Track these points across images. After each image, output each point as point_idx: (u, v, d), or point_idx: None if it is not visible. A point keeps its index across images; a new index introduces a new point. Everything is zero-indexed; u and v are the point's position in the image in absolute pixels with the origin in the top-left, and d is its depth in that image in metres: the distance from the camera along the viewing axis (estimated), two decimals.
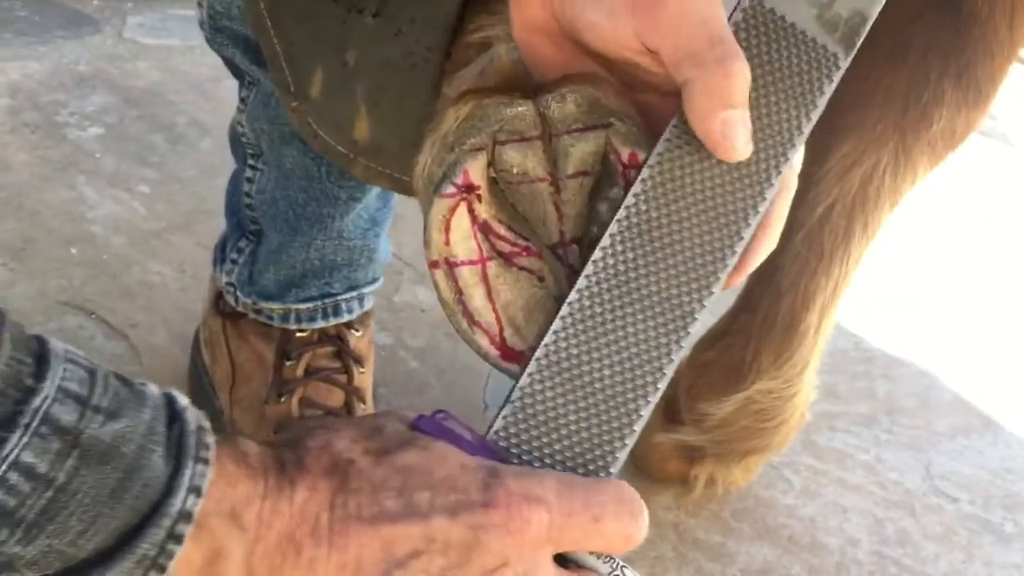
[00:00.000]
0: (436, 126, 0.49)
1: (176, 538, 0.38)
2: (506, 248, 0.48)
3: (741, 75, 0.44)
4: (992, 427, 1.28)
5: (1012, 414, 1.30)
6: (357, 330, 0.97)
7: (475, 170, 0.47)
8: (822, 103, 0.49)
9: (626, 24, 0.45)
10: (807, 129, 0.48)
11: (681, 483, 1.03)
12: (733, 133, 0.45)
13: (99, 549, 0.37)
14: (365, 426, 0.44)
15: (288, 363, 0.92)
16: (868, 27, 0.49)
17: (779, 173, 0.48)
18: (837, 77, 0.49)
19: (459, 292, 0.48)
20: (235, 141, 0.92)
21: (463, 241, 0.48)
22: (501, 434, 0.46)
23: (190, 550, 0.39)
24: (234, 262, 0.94)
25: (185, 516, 0.38)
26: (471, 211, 0.48)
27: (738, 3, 0.49)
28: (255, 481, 0.40)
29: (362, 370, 0.96)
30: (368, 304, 0.98)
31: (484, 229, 0.48)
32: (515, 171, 0.48)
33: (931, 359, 1.37)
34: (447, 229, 0.47)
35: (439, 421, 0.45)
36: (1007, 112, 1.96)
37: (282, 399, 0.92)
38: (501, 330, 0.48)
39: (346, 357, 0.95)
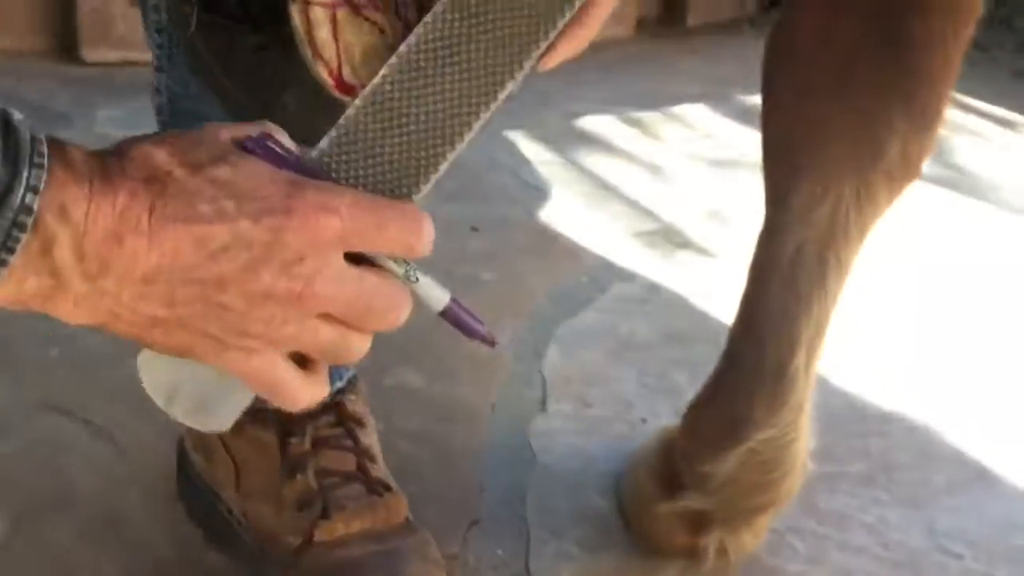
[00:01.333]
0: None
1: (20, 226, 0.46)
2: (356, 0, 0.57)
3: None
4: (991, 479, 1.27)
5: (1010, 465, 1.29)
6: (351, 395, 0.98)
7: None
8: None
9: None
10: None
11: (688, 556, 1.01)
12: None
13: None
14: (186, 140, 0.51)
15: (293, 440, 0.92)
16: None
17: None
18: None
19: (309, 25, 0.56)
20: None
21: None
22: (325, 155, 0.54)
23: (28, 239, 0.47)
24: None
25: (25, 210, 0.46)
26: None
27: None
28: (81, 185, 0.47)
29: (366, 431, 0.97)
30: (352, 368, 0.99)
31: None
32: None
33: (924, 412, 1.36)
34: None
35: (262, 140, 0.52)
36: (984, 167, 2.00)
37: (297, 476, 0.92)
38: (340, 66, 0.57)
39: (347, 422, 0.96)
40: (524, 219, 1.69)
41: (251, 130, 0.53)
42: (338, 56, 0.56)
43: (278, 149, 0.53)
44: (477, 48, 0.55)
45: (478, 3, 0.55)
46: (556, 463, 1.21)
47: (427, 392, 1.28)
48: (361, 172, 0.54)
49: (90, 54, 1.88)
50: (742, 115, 2.20)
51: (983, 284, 1.66)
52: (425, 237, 0.54)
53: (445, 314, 0.57)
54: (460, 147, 0.55)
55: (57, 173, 0.47)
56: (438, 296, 0.56)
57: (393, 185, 0.55)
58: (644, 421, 1.31)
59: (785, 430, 0.93)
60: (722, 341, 1.53)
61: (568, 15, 0.56)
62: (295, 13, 0.56)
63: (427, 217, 0.54)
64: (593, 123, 2.08)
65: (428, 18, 0.55)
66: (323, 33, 0.56)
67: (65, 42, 1.89)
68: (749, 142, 2.12)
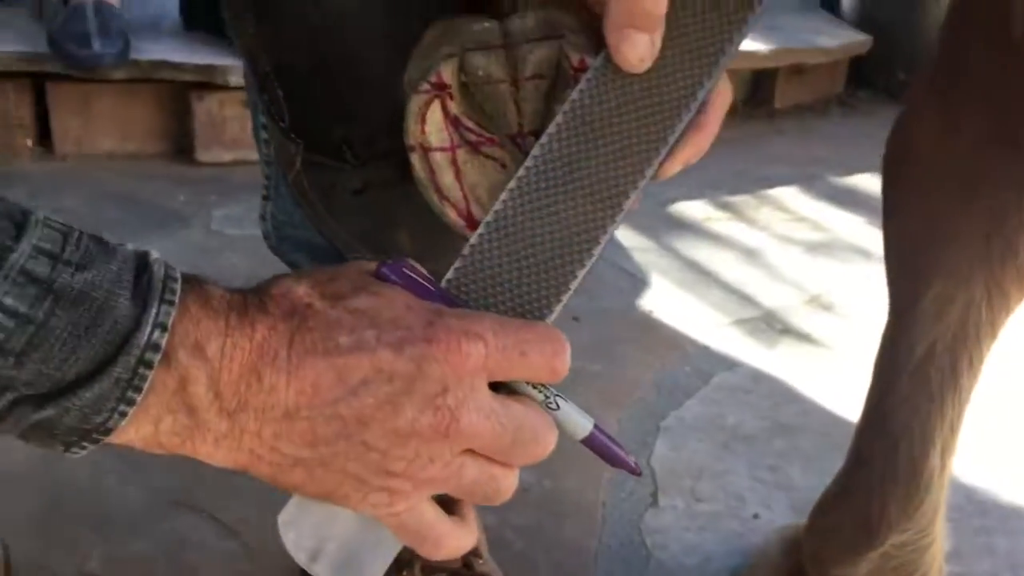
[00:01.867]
0: (419, 45, 0.57)
1: (146, 364, 0.45)
2: (473, 138, 0.57)
3: (649, 1, 0.52)
4: None
5: None
6: (478, 559, 0.98)
7: (447, 72, 0.56)
8: (752, 21, 0.55)
9: None
10: (738, 41, 0.55)
11: None
12: (629, 48, 0.53)
13: (80, 373, 0.45)
14: (325, 274, 0.51)
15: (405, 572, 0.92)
16: None
17: (711, 78, 0.55)
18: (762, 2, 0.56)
19: (432, 172, 0.56)
20: None
21: (436, 131, 0.56)
22: (452, 284, 0.53)
23: (161, 375, 0.46)
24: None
25: (153, 347, 0.45)
26: (444, 107, 0.56)
27: None
28: (216, 320, 0.47)
29: (481, 560, 0.95)
30: None
31: (455, 123, 0.56)
32: (480, 73, 0.56)
33: None
34: (423, 120, 0.56)
35: (399, 267, 0.51)
36: None
37: (404, 572, 0.92)
38: (468, 205, 0.56)
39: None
40: (625, 308, 1.70)
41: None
42: (465, 198, 0.56)
43: (415, 276, 0.52)
44: (596, 164, 0.54)
45: (593, 119, 0.54)
46: (671, 560, 1.20)
47: (538, 488, 1.28)
48: (490, 300, 0.53)
49: (205, 155, 1.96)
50: (834, 196, 2.19)
51: None
52: (565, 357, 0.51)
53: (587, 441, 0.54)
54: (589, 265, 0.53)
55: (191, 309, 0.46)
56: (580, 423, 0.53)
57: (523, 311, 0.53)
58: (757, 516, 1.29)
59: (921, 533, 0.91)
60: (831, 432, 1.52)
61: (685, 121, 0.55)
62: (416, 161, 0.56)
63: (565, 338, 0.52)
64: (687, 208, 2.09)
65: (544, 139, 0.54)
66: (447, 178, 0.56)
67: (181, 145, 1.99)
68: (843, 224, 2.11)
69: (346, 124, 0.64)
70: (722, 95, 0.56)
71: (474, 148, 0.57)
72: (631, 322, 1.66)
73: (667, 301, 1.74)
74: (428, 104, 0.56)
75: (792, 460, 1.40)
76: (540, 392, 0.52)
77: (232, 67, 1.86)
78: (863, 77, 2.69)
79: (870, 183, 2.19)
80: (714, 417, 1.47)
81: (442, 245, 0.65)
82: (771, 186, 2.19)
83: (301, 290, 0.49)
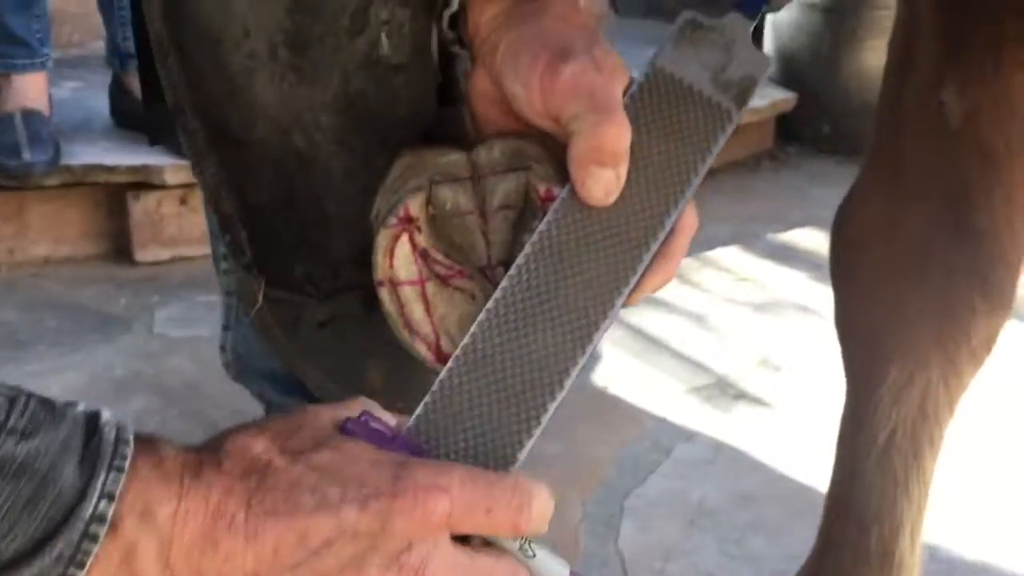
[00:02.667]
0: (384, 178, 0.57)
1: (91, 537, 0.43)
2: (442, 271, 0.56)
3: (611, 139, 0.53)
4: None
5: None
6: None
7: (414, 205, 0.56)
8: (716, 149, 0.56)
9: (535, 94, 0.54)
10: (703, 170, 0.56)
11: None
12: (594, 183, 0.53)
13: (19, 551, 0.42)
14: (285, 426, 0.49)
15: None
16: (758, 87, 0.57)
17: (677, 208, 0.55)
18: (730, 128, 0.57)
19: (401, 307, 0.55)
20: None
21: (405, 265, 0.55)
22: (421, 423, 0.52)
23: (107, 546, 0.44)
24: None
25: (98, 518, 0.43)
26: (411, 240, 0.56)
27: (643, 70, 0.57)
28: (170, 484, 0.45)
29: None
30: None
31: (423, 255, 0.56)
32: (448, 206, 0.56)
33: (1014, 561, 1.33)
34: (391, 255, 0.55)
35: (363, 422, 0.50)
36: None
37: None
38: (437, 339, 0.55)
39: None
40: (580, 385, 1.69)
41: (350, 410, 0.50)
42: (435, 331, 0.55)
43: (380, 428, 0.50)
44: (565, 297, 0.53)
45: (561, 251, 0.54)
46: None
47: None
48: (461, 436, 0.52)
49: (143, 254, 1.93)
50: (773, 253, 2.23)
51: None
52: (531, 513, 0.49)
53: None
54: (559, 397, 0.52)
55: (142, 472, 0.44)
56: (556, 571, 0.51)
57: (494, 447, 0.52)
58: None
59: None
60: (793, 499, 1.53)
61: (653, 250, 0.54)
62: (385, 296, 0.55)
63: (539, 491, 0.50)
64: None
65: (512, 271, 0.54)
66: (417, 312, 0.55)
67: (119, 245, 1.95)
68: (784, 281, 2.14)
69: (310, 260, 0.63)
70: (688, 220, 0.56)
71: (443, 280, 0.56)
72: (587, 398, 1.66)
73: (621, 374, 1.74)
74: (396, 238, 0.55)
75: (757, 531, 1.40)
76: (515, 540, 0.50)
77: (167, 166, 1.84)
78: (791, 132, 2.76)
79: (806, 238, 2.23)
80: (678, 492, 1.47)
81: (412, 380, 0.64)
82: (712, 247, 2.22)
83: (259, 446, 0.47)
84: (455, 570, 0.48)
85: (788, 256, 2.21)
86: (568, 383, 0.52)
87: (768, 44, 2.77)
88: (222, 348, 0.82)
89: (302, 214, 0.62)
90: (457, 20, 0.60)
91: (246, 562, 0.45)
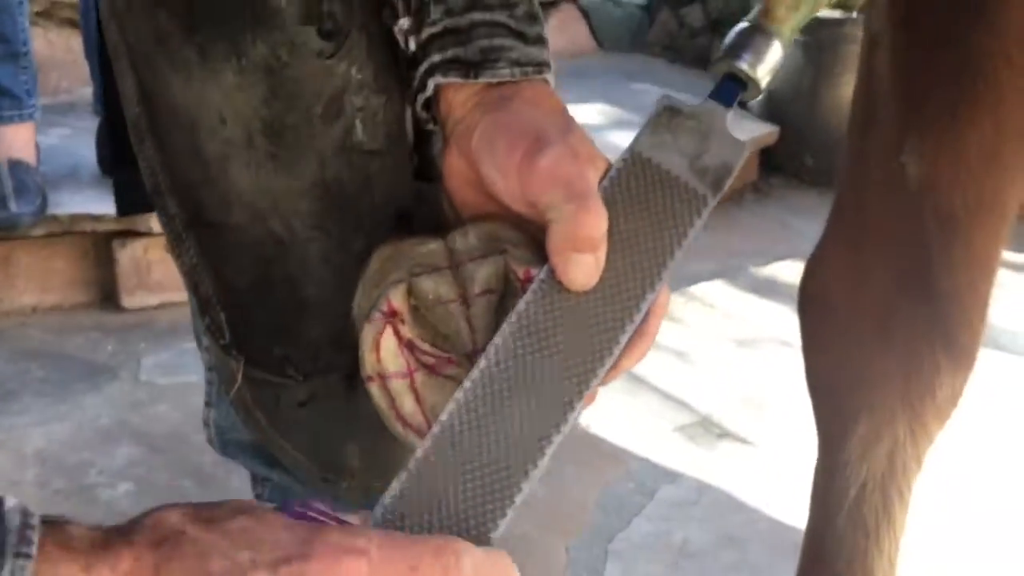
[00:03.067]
0: (364, 271, 0.57)
1: None
2: (430, 360, 0.56)
3: (588, 226, 0.54)
4: None
5: None
6: None
7: (396, 299, 0.56)
8: (692, 234, 0.57)
9: (512, 182, 0.55)
10: (679, 255, 0.57)
11: None
12: (574, 269, 0.54)
13: None
14: (205, 504, 0.49)
15: None
16: (734, 174, 0.58)
17: (653, 291, 0.56)
18: (705, 213, 0.57)
19: (392, 400, 0.56)
20: None
21: (392, 358, 0.56)
22: (396, 500, 0.52)
23: None
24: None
25: None
26: (397, 333, 0.56)
27: (622, 154, 0.58)
28: (77, 559, 0.44)
29: None
30: None
31: (409, 347, 0.56)
32: (430, 296, 0.57)
33: None
34: (377, 349, 0.56)
35: (289, 503, 0.50)
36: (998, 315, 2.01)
37: None
38: (430, 429, 0.54)
39: None
40: None
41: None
42: (427, 421, 0.55)
43: (310, 511, 0.50)
44: (543, 374, 0.53)
45: (539, 331, 0.54)
46: None
47: None
48: (435, 515, 0.52)
49: (130, 301, 1.94)
50: (757, 288, 2.25)
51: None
52: (467, 573, 0.47)
53: None
54: (535, 476, 0.52)
55: (50, 552, 0.44)
56: None
57: (468, 526, 0.52)
58: None
59: None
60: (776, 540, 1.54)
61: (630, 332, 0.55)
62: (375, 392, 0.56)
63: (468, 550, 0.48)
64: None
65: (490, 349, 0.54)
66: (407, 405, 0.56)
67: (106, 292, 1.97)
68: (767, 316, 2.16)
69: (288, 342, 0.64)
70: (662, 300, 0.57)
71: (431, 370, 0.56)
72: (571, 438, 1.65)
73: (605, 413, 1.75)
74: (381, 332, 0.56)
75: (741, 572, 1.41)
76: None
77: (154, 214, 1.85)
78: (774, 164, 2.79)
79: (789, 271, 2.25)
80: (662, 535, 1.48)
81: (390, 461, 0.65)
82: (696, 282, 2.24)
83: (174, 517, 0.47)
84: None
85: (771, 290, 2.23)
86: (543, 462, 0.53)
87: None
88: (205, 424, 0.82)
89: (280, 297, 0.62)
90: (430, 102, 0.61)
91: None
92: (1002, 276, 2.09)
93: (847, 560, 0.91)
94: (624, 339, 0.55)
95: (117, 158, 0.76)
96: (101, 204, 1.88)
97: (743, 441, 1.70)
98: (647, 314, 0.56)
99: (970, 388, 0.91)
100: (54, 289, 1.95)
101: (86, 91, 2.28)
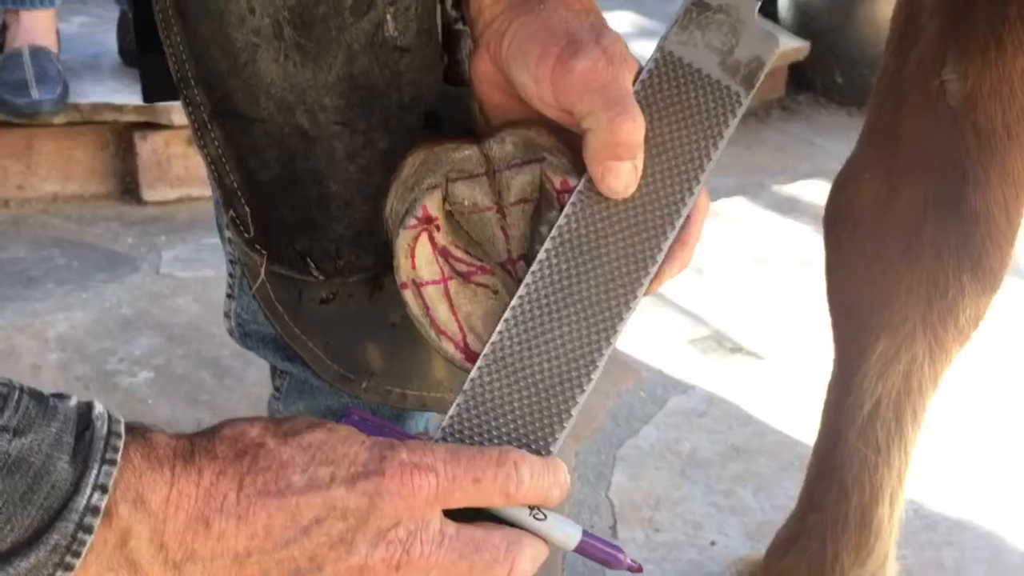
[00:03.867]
0: (398, 174, 0.57)
1: (86, 528, 0.45)
2: (463, 268, 0.57)
3: (626, 133, 0.53)
4: None
5: None
6: None
7: (432, 205, 0.56)
8: (728, 134, 0.57)
9: (546, 88, 0.55)
10: (716, 156, 0.56)
11: None
12: (613, 178, 0.54)
13: (17, 542, 0.44)
14: (278, 419, 0.50)
15: None
16: (766, 69, 0.58)
17: (692, 195, 0.56)
18: (740, 111, 0.57)
19: (426, 307, 0.56)
20: None
21: (427, 265, 0.56)
22: (455, 422, 0.53)
23: (102, 533, 0.45)
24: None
25: (92, 510, 0.45)
26: (431, 239, 0.56)
27: (652, 55, 0.57)
28: (161, 470, 0.46)
29: None
30: None
31: (444, 254, 0.56)
32: (466, 203, 0.56)
33: (994, 519, 1.37)
34: (412, 255, 0.56)
35: (352, 413, 0.52)
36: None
37: None
38: (464, 337, 0.56)
39: None
40: None
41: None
42: (460, 329, 0.56)
43: (369, 419, 0.52)
44: (588, 289, 0.54)
45: (582, 244, 0.54)
46: None
47: None
48: (494, 433, 0.53)
49: (151, 194, 1.95)
50: (778, 206, 2.23)
51: None
52: (520, 478, 0.50)
53: (580, 550, 0.53)
54: (588, 388, 0.53)
55: (134, 461, 0.46)
56: (569, 532, 0.53)
57: (527, 441, 0.53)
58: (713, 544, 1.33)
59: None
60: (783, 453, 1.56)
61: (671, 238, 0.55)
62: (410, 299, 0.56)
63: (525, 458, 0.51)
64: None
65: (535, 267, 0.54)
66: (442, 312, 0.56)
67: (127, 184, 1.97)
68: (787, 234, 2.15)
69: (311, 239, 0.64)
70: (701, 204, 0.57)
71: (465, 278, 0.57)
72: None
73: None
74: (416, 239, 0.56)
75: (746, 483, 1.43)
76: (524, 509, 0.52)
77: (175, 106, 1.84)
78: (803, 81, 2.74)
79: (812, 190, 2.23)
80: (670, 443, 1.50)
81: (410, 365, 0.66)
82: (716, 198, 2.22)
83: (254, 431, 0.49)
84: (442, 545, 0.49)
85: (792, 208, 2.22)
86: (596, 374, 0.54)
87: None
88: (226, 315, 0.83)
89: (304, 192, 0.62)
90: (460, 1, 0.60)
91: (238, 541, 0.47)
92: None
93: (855, 473, 0.93)
94: (666, 246, 0.55)
95: (144, 44, 0.75)
96: (122, 94, 1.87)
97: (755, 356, 1.72)
98: (687, 220, 0.56)
99: (992, 314, 0.91)
100: (75, 178, 1.95)
101: None
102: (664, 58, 0.57)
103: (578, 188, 0.55)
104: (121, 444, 0.46)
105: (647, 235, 0.55)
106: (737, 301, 1.86)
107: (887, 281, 0.87)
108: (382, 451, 0.49)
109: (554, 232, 0.55)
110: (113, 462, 0.46)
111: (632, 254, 0.55)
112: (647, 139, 0.55)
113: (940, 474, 1.43)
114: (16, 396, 0.46)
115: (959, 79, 0.82)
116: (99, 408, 0.47)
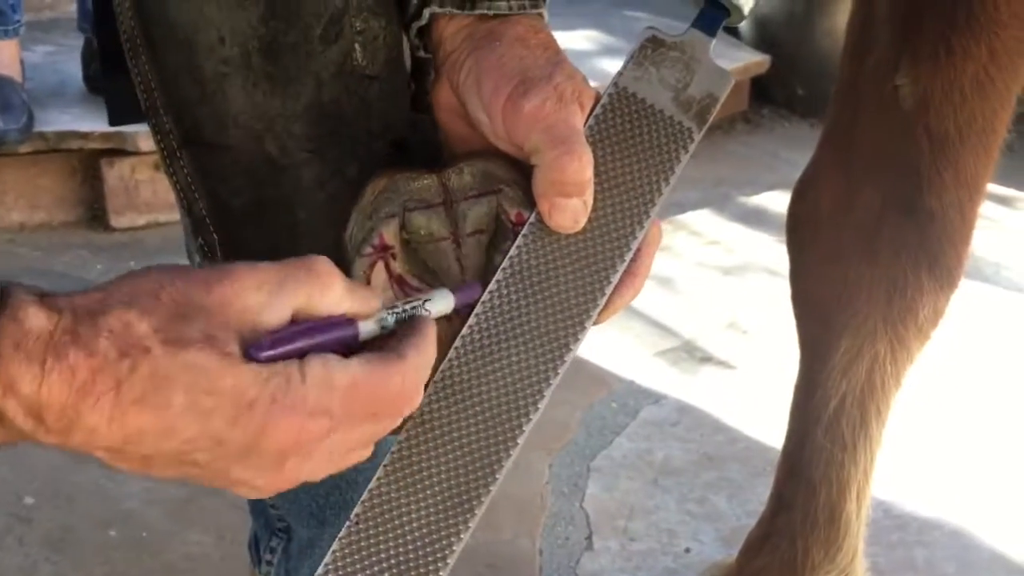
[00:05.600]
0: (358, 201, 0.58)
1: None
2: None
3: (572, 172, 0.54)
4: None
5: None
6: None
7: (389, 233, 0.57)
8: (679, 168, 0.57)
9: (498, 124, 0.56)
10: (666, 190, 0.57)
11: None
12: (560, 214, 0.55)
13: None
14: (182, 308, 0.47)
15: None
16: (719, 105, 0.59)
17: (642, 228, 0.56)
18: (692, 147, 0.58)
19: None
20: None
21: (382, 292, 0.56)
22: (403, 445, 0.54)
23: None
24: (269, 563, 0.94)
25: None
26: (388, 267, 0.57)
27: (607, 89, 0.58)
28: (30, 364, 0.44)
29: None
30: None
31: (399, 282, 0.57)
32: (423, 232, 0.58)
33: (963, 517, 1.39)
34: (368, 282, 0.57)
35: (277, 341, 0.48)
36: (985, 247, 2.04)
37: None
38: None
39: None
40: None
41: (279, 302, 0.48)
42: None
43: (298, 342, 0.48)
44: (538, 319, 0.54)
45: (532, 276, 0.55)
46: None
47: (473, 540, 1.30)
48: (442, 458, 0.54)
49: (119, 220, 1.94)
50: (744, 217, 2.26)
51: (1006, 373, 1.70)
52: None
53: (460, 309, 0.54)
54: (535, 418, 0.54)
55: (4, 351, 0.44)
56: (445, 304, 0.53)
57: (472, 468, 0.54)
58: (688, 551, 1.34)
59: (843, 573, 0.96)
60: (755, 459, 1.58)
61: (620, 271, 0.56)
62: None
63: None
64: None
65: (485, 296, 0.55)
66: None
67: (94, 211, 1.97)
68: (753, 244, 2.18)
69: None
70: (651, 238, 0.57)
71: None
72: None
73: (590, 336, 1.77)
74: (372, 266, 0.57)
75: (719, 491, 1.45)
76: (404, 304, 0.52)
77: (141, 133, 1.84)
78: (764, 94, 2.78)
79: (777, 200, 2.26)
80: (643, 453, 1.52)
81: None
82: (684, 211, 2.25)
83: (142, 328, 0.45)
84: (332, 455, 0.49)
85: (758, 220, 2.25)
86: (543, 404, 0.54)
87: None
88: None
89: (273, 220, 0.63)
90: (424, 30, 0.61)
91: (111, 437, 0.46)
92: (988, 209, 2.10)
93: (823, 472, 0.95)
94: (615, 278, 0.56)
95: (109, 67, 0.76)
96: (88, 122, 1.87)
97: (724, 365, 1.74)
98: (638, 252, 0.57)
99: (952, 317, 0.94)
100: (42, 206, 1.94)
101: (70, 7, 2.24)
102: (618, 93, 0.58)
103: (530, 220, 0.56)
104: None
105: (597, 267, 0.56)
106: (705, 311, 1.88)
107: (848, 281, 0.90)
108: (275, 391, 0.47)
109: (505, 263, 0.56)
110: None
111: (582, 286, 0.55)
112: (598, 173, 0.55)
113: (909, 474, 1.46)
114: None
115: (912, 84, 0.85)
116: None
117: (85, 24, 1.97)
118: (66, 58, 2.09)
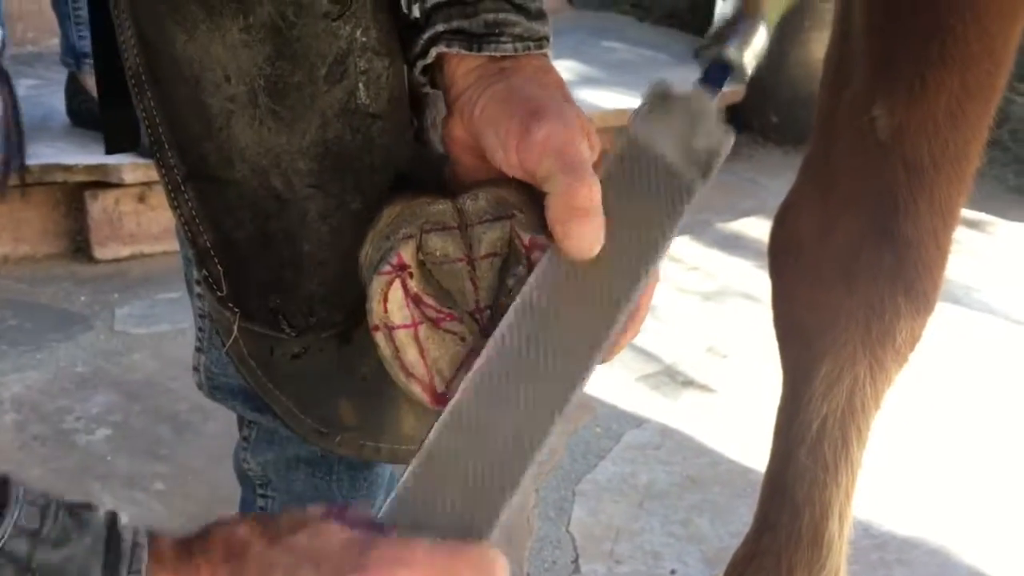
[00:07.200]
0: (375, 224, 0.60)
1: None
2: (433, 315, 0.59)
3: (583, 197, 0.56)
4: None
5: None
6: None
7: (406, 253, 0.59)
8: (680, 220, 0.59)
9: (511, 154, 0.57)
10: (671, 238, 0.59)
11: None
12: (572, 239, 0.56)
13: None
14: (265, 516, 0.53)
15: None
16: (721, 160, 0.60)
17: (646, 273, 0.58)
18: (694, 198, 0.60)
19: (396, 350, 0.58)
20: (241, 474, 0.92)
21: (399, 310, 0.58)
22: (410, 482, 0.54)
23: None
24: None
25: None
26: (404, 286, 0.58)
27: (619, 137, 0.60)
28: (168, 572, 0.50)
29: None
30: None
31: (415, 300, 0.58)
32: (438, 253, 0.59)
33: (941, 535, 1.42)
34: (385, 300, 0.58)
35: (337, 509, 0.53)
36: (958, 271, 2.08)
37: None
38: (431, 379, 0.58)
39: None
40: None
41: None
42: (428, 372, 0.58)
43: (355, 515, 0.53)
44: (546, 360, 0.55)
45: (543, 314, 0.56)
46: None
47: None
48: (448, 499, 0.54)
49: (102, 252, 1.95)
50: (723, 243, 2.29)
51: (980, 394, 1.73)
52: None
53: None
54: (538, 459, 0.54)
55: (150, 568, 0.50)
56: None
57: (478, 506, 0.54)
58: (673, 573, 1.36)
59: None
60: (736, 481, 1.60)
61: (627, 311, 0.56)
62: (380, 341, 0.58)
63: (499, 559, 0.52)
64: None
65: (496, 334, 0.56)
66: (411, 355, 0.58)
67: (78, 243, 1.97)
68: (733, 270, 2.21)
69: (284, 298, 0.65)
70: (652, 280, 0.58)
71: (435, 324, 0.59)
72: None
73: None
74: (390, 284, 0.58)
75: (703, 512, 1.47)
76: None
77: (125, 165, 1.85)
78: (739, 122, 2.83)
79: (755, 226, 2.30)
80: (627, 476, 1.53)
81: (383, 417, 0.68)
82: None
83: (242, 532, 0.52)
84: None
85: (737, 245, 2.28)
86: (547, 443, 0.54)
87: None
88: (195, 369, 0.83)
89: (277, 253, 0.64)
90: (428, 68, 0.62)
91: None
92: (959, 233, 2.15)
93: (806, 493, 0.96)
94: (622, 319, 0.56)
95: (108, 98, 0.77)
96: (72, 155, 1.87)
97: (706, 389, 1.76)
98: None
99: (926, 339, 0.96)
100: (26, 239, 1.95)
101: (53, 42, 2.26)
102: (630, 143, 0.60)
103: (544, 257, 0.57)
104: (145, 555, 0.51)
105: (604, 308, 0.57)
106: (687, 336, 1.91)
107: (828, 306, 0.92)
108: (363, 547, 0.51)
109: (516, 301, 0.57)
110: (139, 572, 0.50)
111: (589, 326, 0.56)
112: (611, 215, 0.57)
113: (889, 495, 1.48)
114: (54, 509, 0.50)
115: (887, 115, 0.88)
116: (124, 519, 0.51)
117: (69, 58, 1.98)
118: (50, 92, 2.10)
